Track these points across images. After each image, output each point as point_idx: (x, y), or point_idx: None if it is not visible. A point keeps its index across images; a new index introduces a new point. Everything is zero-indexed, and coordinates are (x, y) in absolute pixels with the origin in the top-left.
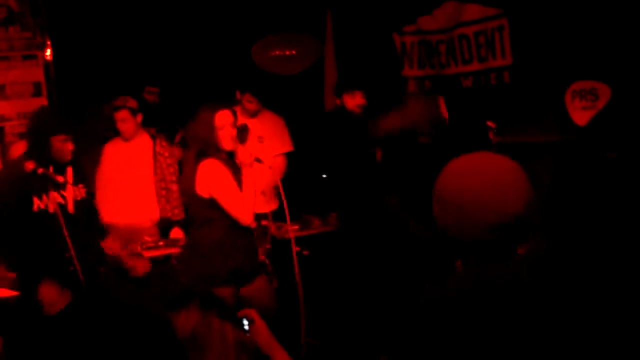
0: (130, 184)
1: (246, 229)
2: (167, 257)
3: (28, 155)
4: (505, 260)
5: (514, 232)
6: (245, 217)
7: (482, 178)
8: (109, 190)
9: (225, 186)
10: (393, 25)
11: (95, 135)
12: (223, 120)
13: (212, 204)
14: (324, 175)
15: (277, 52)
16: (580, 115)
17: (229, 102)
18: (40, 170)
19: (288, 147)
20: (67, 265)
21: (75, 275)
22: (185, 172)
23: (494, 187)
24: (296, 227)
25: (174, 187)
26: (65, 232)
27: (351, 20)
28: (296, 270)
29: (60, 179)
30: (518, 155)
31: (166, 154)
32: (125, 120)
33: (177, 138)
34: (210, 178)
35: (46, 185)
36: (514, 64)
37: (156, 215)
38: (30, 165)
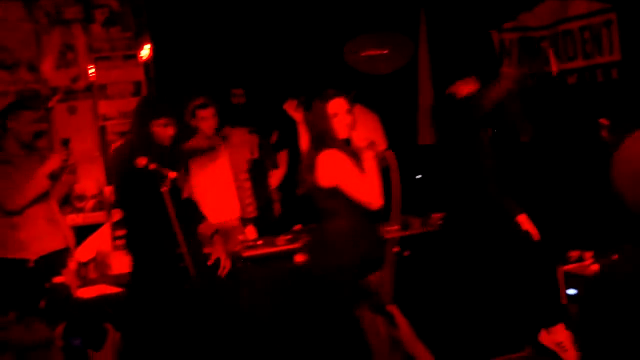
0: (214, 183)
1: (371, 220)
2: (267, 257)
3: (130, 144)
4: None
5: None
6: (375, 200)
7: None
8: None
9: (349, 173)
10: (489, 23)
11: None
12: (336, 108)
13: (335, 194)
14: (419, 176)
15: (370, 52)
16: None
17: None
18: (152, 166)
19: (382, 144)
20: (178, 261)
21: (187, 272)
22: (304, 166)
23: None
24: (395, 227)
25: (247, 184)
26: (177, 228)
27: (445, 19)
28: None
29: (172, 174)
30: None
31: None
32: (208, 117)
33: (274, 138)
34: (333, 168)
35: (156, 180)
36: (622, 60)
37: (238, 213)
38: (142, 161)
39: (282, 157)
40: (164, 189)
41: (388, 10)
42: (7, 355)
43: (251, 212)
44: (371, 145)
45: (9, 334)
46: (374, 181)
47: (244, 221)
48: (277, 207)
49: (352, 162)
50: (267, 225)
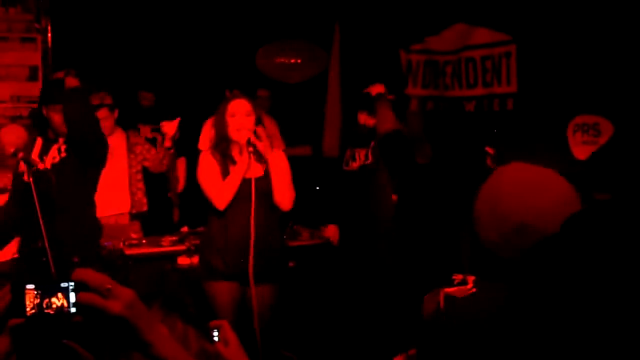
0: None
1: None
2: (150, 256)
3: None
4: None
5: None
6: (217, 202)
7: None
8: None
9: (204, 174)
10: (400, 42)
11: None
12: (236, 108)
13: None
14: (317, 188)
15: (282, 59)
16: (581, 149)
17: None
18: (20, 155)
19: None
20: (39, 255)
21: (47, 267)
22: None
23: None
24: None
25: (140, 181)
26: (41, 220)
27: (359, 33)
28: None
29: (40, 165)
30: None
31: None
32: (104, 118)
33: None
34: (198, 169)
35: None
36: (518, 92)
37: (128, 207)
38: (10, 149)
39: (181, 162)
40: (30, 179)
41: (304, 19)
42: None
43: (140, 207)
44: (248, 143)
45: None
46: (228, 183)
47: (133, 217)
48: (176, 212)
49: (216, 167)
50: (162, 227)
